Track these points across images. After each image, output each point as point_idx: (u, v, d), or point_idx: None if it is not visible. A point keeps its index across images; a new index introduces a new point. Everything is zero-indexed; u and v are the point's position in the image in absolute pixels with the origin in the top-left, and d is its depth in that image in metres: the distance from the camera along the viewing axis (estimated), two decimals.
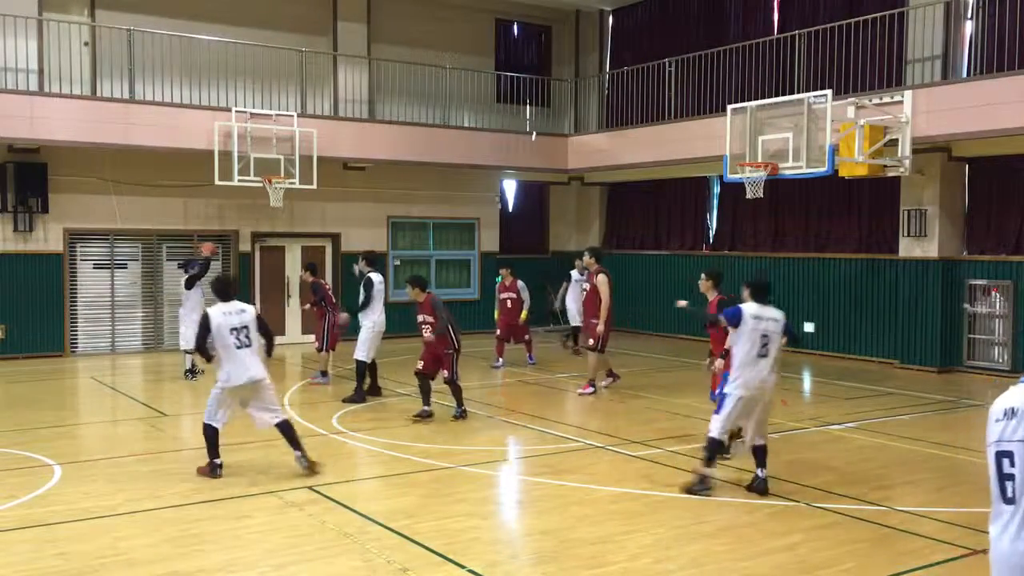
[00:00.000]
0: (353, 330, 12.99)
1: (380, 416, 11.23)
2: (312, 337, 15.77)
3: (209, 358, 8.43)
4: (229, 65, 17.42)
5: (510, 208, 22.43)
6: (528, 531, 7.20)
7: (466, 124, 20.01)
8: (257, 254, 18.68)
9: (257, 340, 8.38)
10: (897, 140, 13.66)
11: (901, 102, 13.68)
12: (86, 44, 16.85)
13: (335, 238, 19.38)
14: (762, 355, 7.71)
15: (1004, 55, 13.58)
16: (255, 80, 17.84)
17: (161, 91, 16.90)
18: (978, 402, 12.81)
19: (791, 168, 13.38)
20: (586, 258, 13.25)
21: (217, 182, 16.25)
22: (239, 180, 16.28)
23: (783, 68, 16.18)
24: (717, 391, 9.04)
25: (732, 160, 14.27)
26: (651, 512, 7.39)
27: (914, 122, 13.57)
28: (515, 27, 22.45)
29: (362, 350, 12.23)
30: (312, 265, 14.23)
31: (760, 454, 7.90)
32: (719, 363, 8.90)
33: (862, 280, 16.50)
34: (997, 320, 14.91)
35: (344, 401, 12.03)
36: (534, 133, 20.28)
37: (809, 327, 17.21)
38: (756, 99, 14.53)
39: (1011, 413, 3.08)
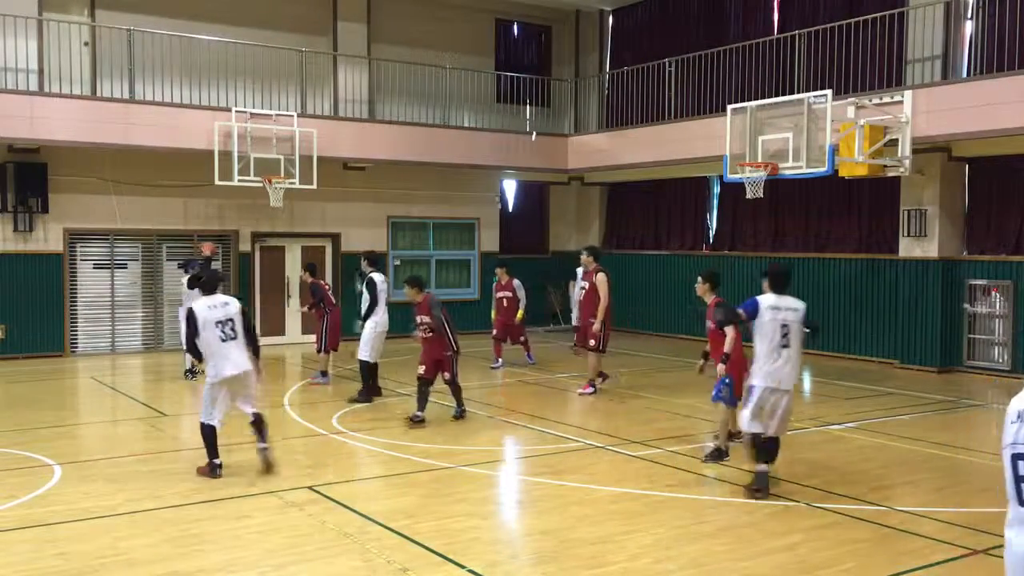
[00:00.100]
0: (351, 329, 13.00)
1: (380, 416, 11.23)
2: (312, 337, 15.76)
3: (201, 357, 8.40)
4: (229, 65, 17.42)
5: (510, 208, 22.43)
6: (528, 531, 7.20)
7: (466, 124, 20.02)
8: (257, 254, 18.69)
9: (243, 333, 8.36)
10: (897, 140, 13.66)
11: (901, 102, 13.68)
12: (86, 44, 16.85)
13: (335, 238, 19.38)
14: (784, 345, 7.68)
15: (1004, 55, 13.58)
16: (255, 80, 17.84)
17: (161, 91, 16.90)
18: (978, 402, 12.82)
19: (791, 168, 13.38)
20: (584, 257, 13.19)
21: (217, 182, 16.25)
22: (239, 180, 16.28)
23: (783, 68, 16.18)
24: (714, 392, 9.05)
25: (732, 160, 14.26)
26: (651, 512, 7.39)
27: (914, 122, 13.57)
28: (515, 27, 22.45)
29: (365, 350, 12.24)
30: (312, 266, 14.24)
31: (772, 447, 7.87)
32: (721, 368, 8.88)
33: (862, 280, 16.50)
34: (997, 320, 14.91)
35: (350, 401, 12.04)
36: (534, 133, 20.28)
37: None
38: (756, 99, 14.53)
39: None
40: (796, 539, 6.75)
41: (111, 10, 17.12)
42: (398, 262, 20.10)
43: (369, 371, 12.27)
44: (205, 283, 8.58)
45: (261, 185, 16.59)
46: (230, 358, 8.21)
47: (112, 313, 17.35)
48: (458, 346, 10.92)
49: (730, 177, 14.45)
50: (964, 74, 14.80)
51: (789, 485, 8.10)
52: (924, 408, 12.17)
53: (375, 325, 12.30)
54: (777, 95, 14.96)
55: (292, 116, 17.04)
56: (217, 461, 8.26)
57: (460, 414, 10.93)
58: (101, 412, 12.49)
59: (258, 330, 18.10)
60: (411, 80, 19.43)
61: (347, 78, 19.20)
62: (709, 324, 9.28)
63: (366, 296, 12.41)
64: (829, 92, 12.97)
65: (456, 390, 10.95)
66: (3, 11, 15.28)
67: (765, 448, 7.80)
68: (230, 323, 8.26)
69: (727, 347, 8.90)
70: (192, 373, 13.83)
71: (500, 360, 15.52)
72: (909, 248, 15.57)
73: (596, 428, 10.71)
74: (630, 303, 19.97)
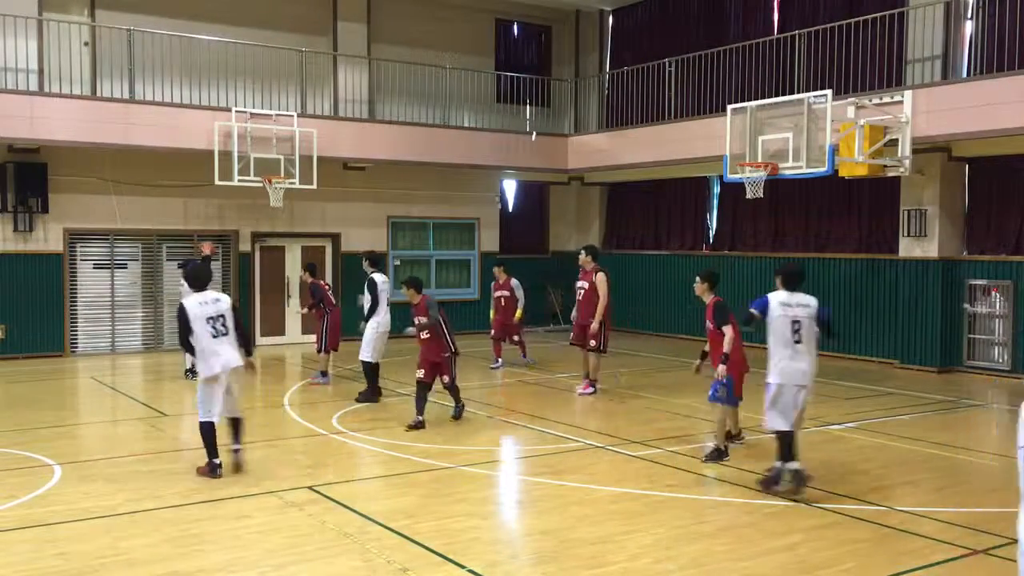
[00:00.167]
0: (350, 329, 13.00)
1: (380, 416, 11.23)
2: (312, 337, 15.76)
3: (194, 352, 8.40)
4: (229, 65, 17.43)
5: (510, 208, 22.43)
6: (528, 531, 7.20)
7: (466, 124, 20.02)
8: (257, 254, 18.68)
9: (233, 329, 8.38)
10: (897, 140, 13.66)
11: (901, 102, 13.68)
12: (86, 44, 16.86)
13: (335, 238, 19.38)
14: (796, 341, 7.67)
15: (1004, 55, 13.58)
16: (255, 80, 17.85)
17: (161, 91, 16.90)
18: (978, 402, 12.82)
19: (791, 168, 13.37)
20: (582, 257, 13.14)
21: (217, 182, 16.25)
22: (239, 180, 16.28)
23: (783, 68, 16.18)
24: (711, 392, 9.05)
25: (732, 160, 14.26)
26: (651, 512, 7.39)
27: (914, 122, 13.57)
28: (515, 27, 22.45)
29: (367, 350, 12.24)
30: (312, 266, 14.23)
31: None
32: (722, 369, 8.88)
33: (862, 280, 16.50)
34: (997, 320, 14.92)
35: (357, 400, 12.05)
36: (534, 133, 20.28)
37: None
38: (756, 99, 14.53)
39: None
40: (796, 539, 6.75)
41: (111, 10, 17.12)
42: (398, 262, 20.10)
43: (373, 371, 12.25)
44: (196, 280, 8.59)
45: (261, 185, 16.60)
46: (220, 354, 8.22)
47: (112, 313, 17.35)
48: (456, 348, 10.90)
49: (730, 177, 14.44)
50: (964, 74, 14.80)
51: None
52: (924, 408, 12.17)
53: (377, 326, 12.30)
54: (777, 95, 14.96)
55: (292, 116, 17.04)
56: (217, 461, 8.26)
57: (459, 412, 10.91)
58: (101, 412, 12.49)
59: (257, 329, 18.44)
60: (411, 80, 19.43)
61: (347, 78, 19.21)
62: (708, 324, 9.28)
63: (368, 297, 12.41)
64: (829, 92, 12.97)
65: (455, 391, 10.94)
66: (3, 11, 15.28)
67: (791, 445, 7.76)
68: (221, 319, 8.27)
69: (726, 347, 8.90)
70: (193, 373, 13.80)
71: (500, 360, 15.51)
72: (909, 248, 15.57)
73: (596, 428, 10.71)
74: (630, 303, 19.98)
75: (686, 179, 19.72)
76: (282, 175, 16.70)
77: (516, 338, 15.59)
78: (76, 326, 17.04)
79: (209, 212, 17.95)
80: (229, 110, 16.58)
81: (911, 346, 15.59)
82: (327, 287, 13.98)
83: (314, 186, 17.02)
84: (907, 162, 13.68)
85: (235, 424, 8.48)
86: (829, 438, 10.27)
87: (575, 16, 22.27)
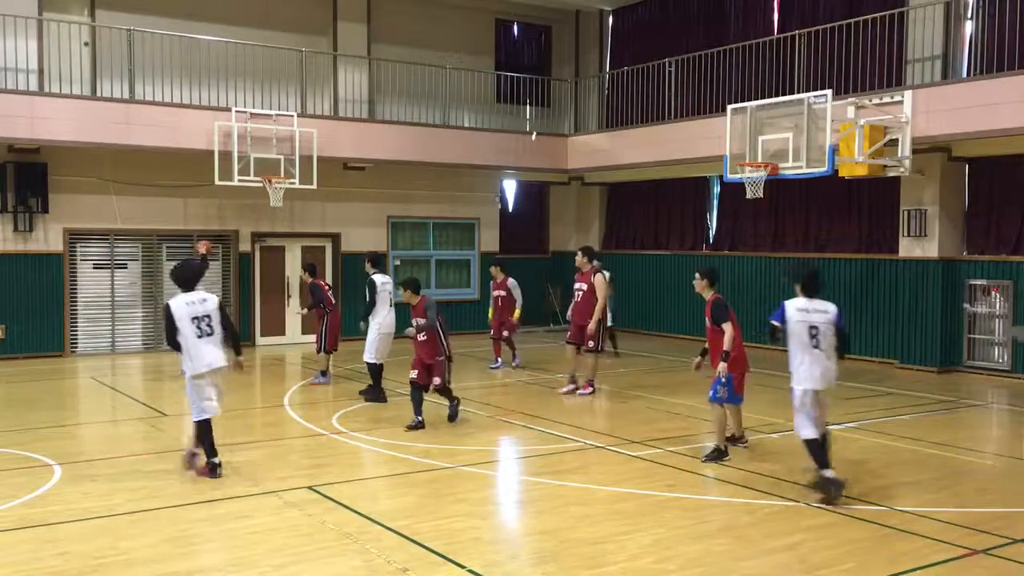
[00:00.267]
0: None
1: (380, 416, 11.22)
2: (312, 337, 15.74)
3: (180, 350, 8.42)
4: (229, 65, 17.43)
5: (510, 208, 22.43)
6: (528, 531, 7.20)
7: (466, 124, 20.02)
8: (257, 254, 18.68)
9: (220, 329, 8.40)
10: (897, 140, 13.66)
11: (901, 102, 13.68)
12: (86, 44, 16.86)
13: (335, 238, 19.38)
14: (815, 346, 7.67)
15: (1004, 55, 13.58)
16: (255, 80, 17.85)
17: (161, 91, 16.91)
18: (978, 402, 12.82)
19: (791, 168, 13.38)
20: (579, 258, 13.07)
21: (217, 182, 16.25)
22: (239, 180, 16.28)
23: (783, 68, 16.18)
24: (711, 393, 9.05)
25: (732, 160, 14.27)
26: (651, 512, 7.39)
27: (914, 122, 13.58)
28: (515, 27, 22.46)
29: (370, 351, 12.26)
30: (312, 266, 14.22)
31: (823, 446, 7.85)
32: (723, 366, 8.88)
33: (862, 280, 16.50)
34: (997, 320, 14.92)
35: (366, 400, 12.06)
36: (534, 133, 20.28)
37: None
38: (756, 99, 14.54)
39: None
40: (796, 539, 6.75)
41: (111, 10, 17.13)
42: (398, 262, 20.09)
43: (377, 372, 12.25)
44: (182, 280, 8.61)
45: (261, 185, 16.60)
46: (205, 354, 8.25)
47: (112, 313, 17.35)
48: (450, 353, 10.72)
49: (730, 177, 14.44)
50: (964, 74, 14.80)
51: (789, 485, 8.11)
52: (924, 408, 12.17)
53: (379, 326, 12.31)
54: (777, 95, 14.96)
55: (292, 116, 17.04)
56: (216, 460, 8.26)
57: (454, 412, 10.72)
58: (101, 412, 12.49)
59: (258, 329, 18.43)
60: (411, 80, 19.43)
61: (347, 78, 19.21)
62: (708, 322, 9.27)
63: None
64: (829, 92, 12.97)
65: (447, 393, 10.75)
66: (3, 11, 15.29)
67: (824, 451, 7.70)
68: (207, 319, 8.30)
69: (726, 345, 8.90)
70: None
71: (499, 360, 15.50)
72: (909, 248, 15.57)
73: (596, 428, 10.70)
74: (630, 303, 19.97)
75: (686, 179, 19.72)
76: (282, 175, 16.70)
77: (506, 334, 15.37)
78: (76, 326, 17.04)
79: (209, 212, 17.95)
80: (229, 110, 16.58)
81: (911, 346, 15.59)
82: (327, 287, 13.98)
83: (314, 186, 17.02)
84: (907, 162, 13.68)
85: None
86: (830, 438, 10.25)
87: (575, 16, 22.28)
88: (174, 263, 16.29)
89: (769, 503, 7.63)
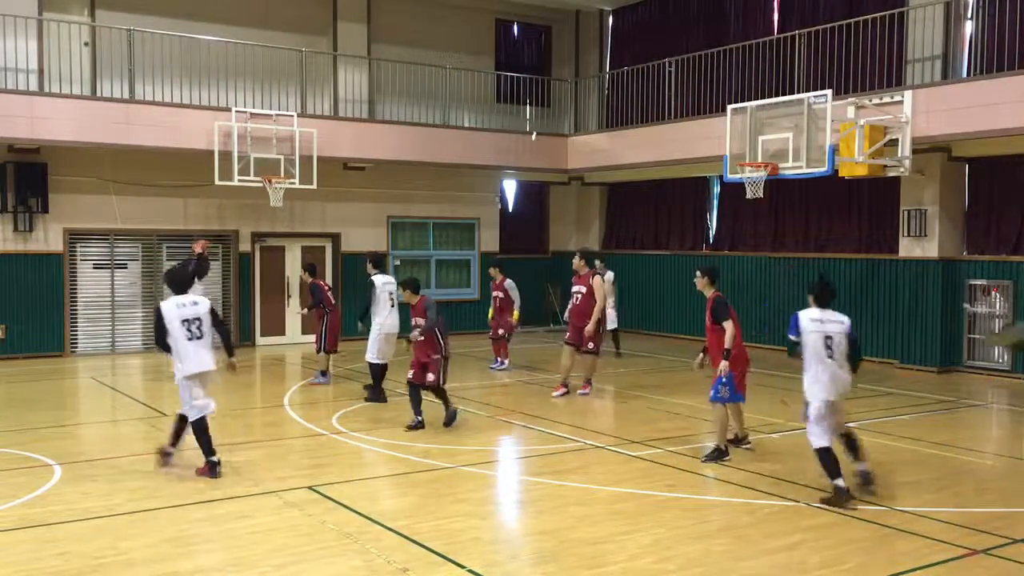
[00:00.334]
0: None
1: (380, 416, 11.22)
2: (312, 337, 15.73)
3: (170, 351, 8.47)
4: (229, 65, 17.43)
5: (510, 208, 22.43)
6: (528, 531, 7.20)
7: (466, 124, 20.02)
8: (257, 254, 18.68)
9: (210, 333, 8.48)
10: (897, 140, 13.66)
11: (901, 102, 13.68)
12: (86, 44, 16.86)
13: (335, 238, 19.38)
14: (830, 357, 7.65)
15: (1004, 55, 13.58)
16: (255, 80, 17.85)
17: (161, 91, 16.90)
18: (978, 402, 12.82)
19: (791, 168, 13.38)
20: (576, 261, 13.00)
21: (217, 182, 16.25)
22: (239, 180, 16.28)
23: (783, 68, 16.18)
24: (712, 393, 9.05)
25: (732, 160, 14.26)
26: (651, 512, 7.39)
27: (914, 122, 13.57)
28: (515, 27, 22.46)
29: (371, 351, 12.27)
30: (312, 266, 14.22)
31: (853, 448, 7.85)
32: (724, 364, 8.88)
33: (862, 280, 16.49)
34: (997, 320, 14.91)
35: (366, 400, 12.07)
36: (534, 133, 20.28)
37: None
38: (756, 99, 14.54)
39: None
40: (796, 539, 6.75)
41: (111, 10, 17.13)
42: (398, 262, 20.09)
43: (379, 372, 12.23)
44: (175, 283, 8.69)
45: (261, 185, 16.60)
46: (194, 356, 8.33)
47: (112, 313, 17.35)
48: (448, 352, 10.56)
49: (730, 177, 14.44)
50: (964, 74, 14.80)
51: (789, 485, 8.11)
52: (924, 408, 12.17)
53: (381, 327, 12.31)
54: (777, 95, 14.96)
55: (292, 116, 17.04)
56: (215, 459, 8.27)
57: (450, 419, 10.41)
58: (101, 412, 12.49)
59: (258, 329, 18.43)
60: (411, 80, 19.43)
61: (347, 78, 19.21)
62: (708, 320, 9.26)
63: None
64: (829, 92, 12.97)
65: (441, 394, 10.54)
66: (3, 11, 15.28)
67: (836, 460, 7.65)
68: (197, 322, 8.38)
69: (727, 343, 8.90)
70: None
71: (500, 361, 15.47)
72: (909, 248, 15.57)
73: (596, 428, 10.71)
74: (630, 303, 19.96)
75: (686, 179, 19.72)
76: (282, 175, 16.70)
77: (501, 332, 15.28)
78: (76, 326, 17.04)
79: (209, 212, 17.95)
80: (229, 110, 16.58)
81: (911, 346, 15.59)
82: (327, 287, 13.98)
83: (314, 186, 17.02)
84: (907, 162, 13.68)
85: (181, 426, 8.55)
86: None
87: (575, 16, 22.28)
88: (174, 263, 16.51)
89: (769, 503, 7.63)
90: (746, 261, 18.46)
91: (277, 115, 16.90)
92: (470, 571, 6.03)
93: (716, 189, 19.76)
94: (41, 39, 16.27)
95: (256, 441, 10.05)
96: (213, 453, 8.30)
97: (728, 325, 8.97)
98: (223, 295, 18.20)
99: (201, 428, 8.32)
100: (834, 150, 12.95)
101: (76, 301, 17.03)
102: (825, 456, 7.63)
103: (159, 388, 13.89)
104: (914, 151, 13.71)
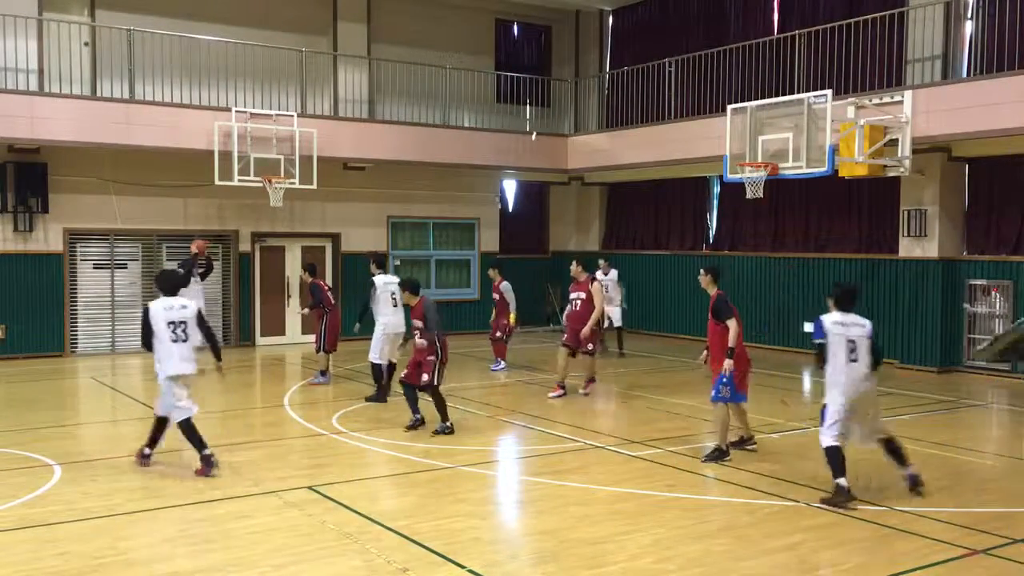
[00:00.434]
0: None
1: (380, 416, 11.22)
2: (312, 337, 15.74)
3: (152, 350, 8.56)
4: (229, 65, 17.43)
5: (510, 208, 22.43)
6: (528, 531, 7.20)
7: (466, 124, 20.02)
8: (257, 254, 18.68)
9: (195, 336, 8.57)
10: (897, 140, 13.66)
11: (901, 102, 13.68)
12: (86, 44, 16.86)
13: (335, 238, 19.38)
14: (853, 360, 7.65)
15: (1004, 55, 13.58)
16: (255, 80, 17.85)
17: (161, 91, 16.90)
18: (978, 402, 12.83)
19: (791, 168, 13.37)
20: (574, 267, 12.95)
21: (217, 182, 16.25)
22: (239, 180, 16.28)
23: (783, 68, 16.18)
24: (713, 392, 9.04)
25: (732, 160, 14.26)
26: (651, 512, 7.39)
27: (914, 122, 13.57)
28: (515, 27, 22.46)
29: (374, 351, 12.27)
30: (312, 266, 14.21)
31: (895, 453, 7.85)
32: (728, 363, 8.87)
33: (862, 280, 16.47)
34: (997, 320, 14.91)
35: (366, 400, 12.07)
36: (534, 133, 20.28)
37: (809, 327, 17.16)
38: (756, 99, 14.53)
39: None
40: (796, 539, 6.75)
41: (111, 10, 17.13)
42: (398, 262, 20.09)
43: (380, 372, 12.22)
44: (164, 286, 8.77)
45: (261, 185, 16.60)
46: (176, 358, 8.42)
47: (112, 313, 17.34)
48: (445, 355, 10.35)
49: (730, 177, 14.44)
50: (964, 74, 14.80)
51: (789, 485, 8.11)
52: (924, 408, 12.17)
53: (384, 327, 12.30)
54: (777, 95, 14.96)
55: (292, 116, 17.04)
56: (208, 452, 8.34)
57: (443, 429, 10.08)
58: (101, 412, 12.49)
59: (258, 329, 18.44)
60: (411, 80, 19.43)
61: (347, 78, 19.21)
62: (710, 318, 9.26)
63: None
64: (829, 92, 12.97)
65: (438, 401, 10.21)
66: (3, 11, 15.28)
67: (843, 461, 7.64)
68: (183, 325, 8.47)
69: (731, 341, 8.90)
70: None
71: (498, 360, 15.47)
72: (909, 248, 15.57)
73: (596, 428, 10.71)
74: (630, 303, 19.93)
75: (686, 179, 19.72)
76: (282, 175, 16.70)
77: (499, 335, 15.26)
78: (76, 326, 17.04)
79: (209, 212, 17.95)
80: (229, 110, 16.58)
81: (911, 346, 15.59)
82: (327, 287, 13.98)
83: (314, 186, 17.02)
84: (907, 162, 13.68)
85: (161, 429, 8.63)
86: None
87: (575, 16, 22.27)
88: (174, 263, 16.51)
89: (769, 503, 7.63)
90: (746, 261, 18.46)
91: (277, 115, 16.90)
92: (470, 571, 6.03)
93: (716, 189, 19.76)
94: (41, 39, 16.27)
95: (256, 441, 10.05)
96: (205, 447, 8.37)
97: (731, 323, 8.97)
98: (223, 295, 18.20)
99: (187, 427, 8.40)
100: (834, 150, 12.95)
101: (76, 301, 17.03)
102: (833, 454, 7.63)
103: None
104: (914, 151, 13.71)
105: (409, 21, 20.23)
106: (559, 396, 12.56)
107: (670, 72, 18.39)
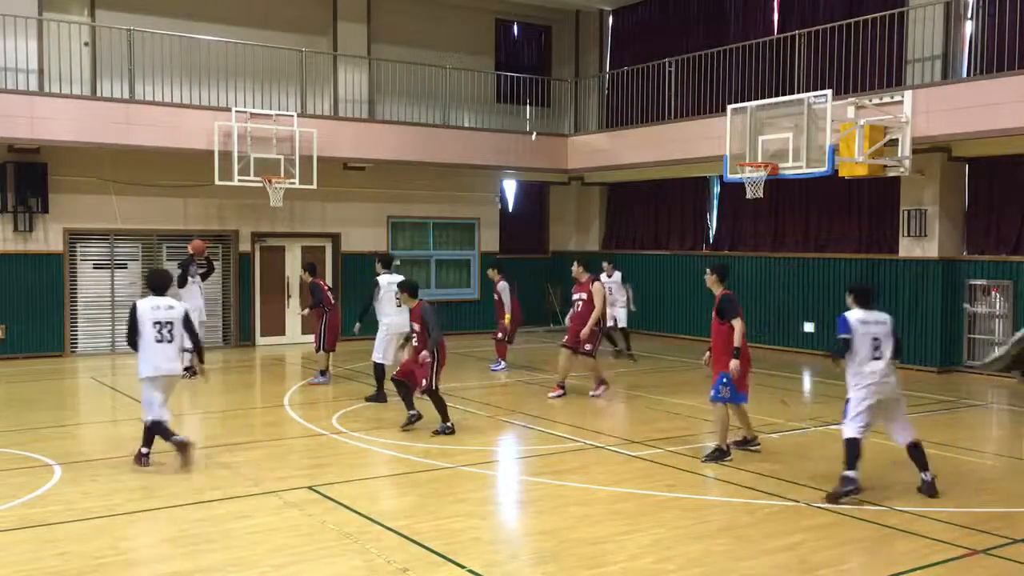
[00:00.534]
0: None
1: (380, 416, 11.22)
2: (312, 337, 15.74)
3: (137, 349, 8.63)
4: (229, 65, 17.43)
5: (510, 208, 22.43)
6: (528, 531, 7.20)
7: (466, 124, 20.02)
8: (257, 254, 18.68)
9: (180, 338, 8.64)
10: (897, 140, 13.66)
11: (901, 102, 13.68)
12: (86, 44, 16.86)
13: (335, 238, 19.38)
14: (876, 357, 7.72)
15: (1004, 55, 13.58)
16: (255, 80, 17.85)
17: (161, 91, 16.90)
18: (978, 402, 12.82)
19: (791, 168, 13.37)
20: (575, 268, 12.92)
21: (217, 182, 16.25)
22: (239, 180, 16.28)
23: (783, 68, 16.18)
24: (712, 392, 9.04)
25: (732, 160, 14.26)
26: (651, 512, 7.39)
27: (914, 122, 13.57)
28: (515, 27, 22.46)
29: (377, 351, 12.27)
30: (312, 266, 14.22)
31: (917, 455, 7.87)
32: (734, 363, 8.87)
33: (862, 280, 16.47)
34: (997, 320, 14.91)
35: (367, 400, 12.07)
36: (534, 133, 20.28)
37: (809, 327, 17.22)
38: (756, 99, 14.53)
39: None
40: (796, 539, 6.75)
41: (111, 10, 17.13)
42: (398, 262, 20.07)
43: (383, 373, 12.22)
44: (154, 285, 8.83)
45: (261, 185, 16.60)
46: (158, 358, 8.49)
47: (112, 313, 17.34)
48: (442, 357, 10.31)
49: (730, 177, 14.44)
50: (964, 74, 14.80)
51: (789, 485, 8.11)
52: (924, 408, 12.16)
53: (387, 327, 12.29)
54: (777, 95, 14.96)
55: (292, 116, 17.04)
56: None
57: (443, 430, 10.07)
58: (101, 412, 12.50)
59: (258, 328, 18.44)
60: (411, 80, 19.43)
61: (347, 78, 19.21)
62: (714, 318, 9.25)
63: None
64: (829, 92, 12.97)
65: (437, 402, 10.18)
66: (3, 11, 15.28)
67: (859, 454, 7.69)
68: (169, 326, 8.53)
69: (736, 341, 8.89)
70: (190, 371, 13.79)
71: (498, 361, 15.47)
72: (909, 248, 15.57)
73: (596, 428, 10.70)
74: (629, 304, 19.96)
75: (686, 179, 19.72)
76: (282, 175, 16.70)
77: (499, 335, 15.24)
78: (76, 326, 17.04)
79: (209, 212, 17.95)
80: (229, 110, 16.58)
81: (911, 346, 15.54)
82: (326, 287, 13.98)
83: (314, 186, 17.02)
84: (907, 162, 13.68)
85: (153, 431, 8.66)
86: (829, 437, 10.24)
87: (575, 16, 22.27)
88: (174, 263, 16.51)
89: (769, 503, 7.63)
90: (746, 261, 18.46)
91: (277, 115, 16.90)
92: (470, 571, 6.03)
93: (716, 189, 19.75)
94: (41, 39, 16.27)
95: (256, 441, 10.05)
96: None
97: (737, 323, 8.96)
98: (223, 295, 18.20)
99: (155, 429, 8.53)
100: (834, 150, 12.95)
101: (76, 301, 17.04)
102: (852, 446, 7.67)
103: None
104: (914, 151, 13.71)
105: (409, 21, 20.23)
106: (559, 396, 12.56)
107: (670, 72, 18.39)
